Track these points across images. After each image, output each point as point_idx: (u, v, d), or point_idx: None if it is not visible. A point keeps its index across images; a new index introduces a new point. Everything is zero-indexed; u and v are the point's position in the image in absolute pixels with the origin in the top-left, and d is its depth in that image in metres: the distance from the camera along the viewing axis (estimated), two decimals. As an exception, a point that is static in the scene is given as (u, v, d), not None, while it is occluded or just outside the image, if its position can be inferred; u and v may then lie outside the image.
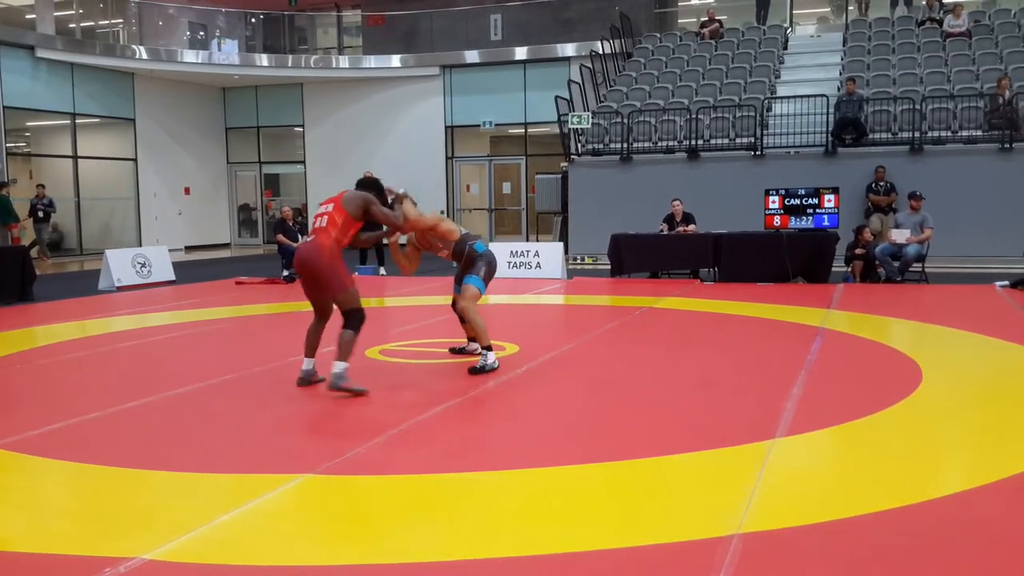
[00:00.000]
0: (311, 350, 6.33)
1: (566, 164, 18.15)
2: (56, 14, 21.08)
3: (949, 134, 15.82)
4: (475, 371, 6.66)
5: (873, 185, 15.22)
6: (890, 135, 16.17)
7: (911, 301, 10.97)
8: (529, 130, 22.96)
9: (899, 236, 12.58)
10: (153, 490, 4.23)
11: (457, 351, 7.49)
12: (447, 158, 23.54)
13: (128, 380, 6.85)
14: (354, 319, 5.98)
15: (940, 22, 18.97)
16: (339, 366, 5.87)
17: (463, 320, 7.15)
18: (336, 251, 5.97)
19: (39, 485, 4.43)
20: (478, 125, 23.06)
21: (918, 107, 15.80)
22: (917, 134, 15.74)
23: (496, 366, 6.74)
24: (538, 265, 14.39)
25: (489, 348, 6.74)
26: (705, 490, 4.12)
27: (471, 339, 7.32)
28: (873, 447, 4.79)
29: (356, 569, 3.29)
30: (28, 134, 22.72)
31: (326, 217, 6.04)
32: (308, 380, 6.30)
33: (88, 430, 5.31)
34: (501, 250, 14.83)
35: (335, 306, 6.13)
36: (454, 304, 7.14)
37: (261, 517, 3.80)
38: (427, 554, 3.41)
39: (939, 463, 4.65)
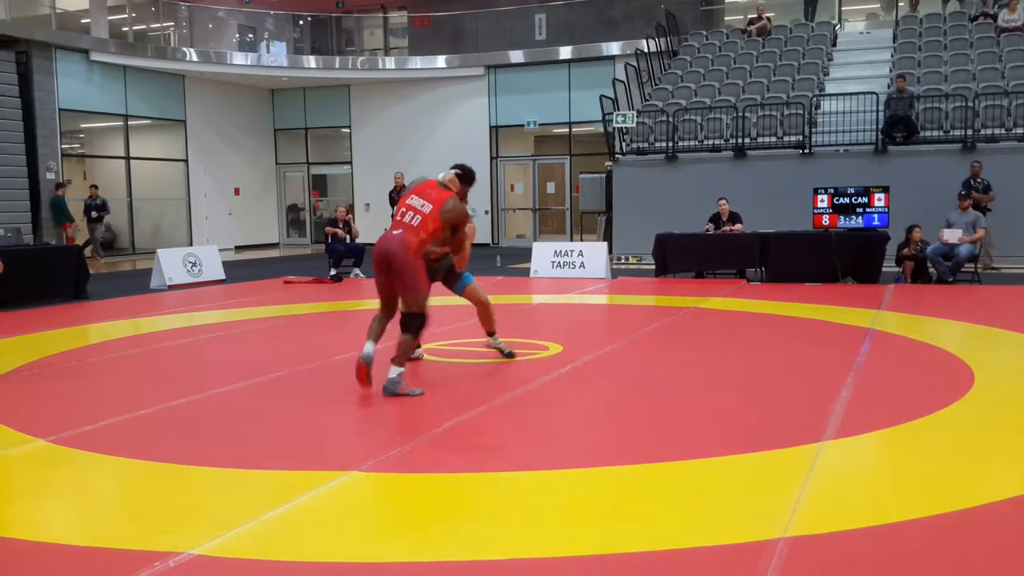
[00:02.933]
0: (375, 336, 6.10)
1: (610, 163, 18.08)
2: (109, 18, 21.50)
3: (1003, 131, 15.48)
4: (510, 355, 7.31)
5: (972, 182, 14.26)
6: (941, 133, 15.86)
7: (963, 302, 10.76)
8: (573, 129, 22.92)
9: (951, 236, 12.34)
10: (202, 486, 4.30)
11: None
12: (491, 158, 23.58)
13: (178, 377, 6.97)
14: (413, 324, 5.96)
15: (994, 17, 18.55)
16: (395, 371, 5.89)
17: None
18: (420, 251, 6.00)
19: (90, 480, 4.53)
20: (522, 125, 23.08)
21: (970, 104, 15.48)
22: (969, 132, 15.42)
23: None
24: (582, 265, 14.36)
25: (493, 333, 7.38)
26: (751, 493, 4.08)
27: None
28: (923, 451, 4.71)
29: (399, 567, 3.31)
30: (82, 136, 23.20)
31: (419, 217, 6.00)
32: (367, 363, 5.97)
33: (138, 426, 5.41)
34: (545, 250, 14.86)
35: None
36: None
37: (307, 513, 3.85)
38: (470, 553, 3.43)
39: (991, 467, 4.55)
